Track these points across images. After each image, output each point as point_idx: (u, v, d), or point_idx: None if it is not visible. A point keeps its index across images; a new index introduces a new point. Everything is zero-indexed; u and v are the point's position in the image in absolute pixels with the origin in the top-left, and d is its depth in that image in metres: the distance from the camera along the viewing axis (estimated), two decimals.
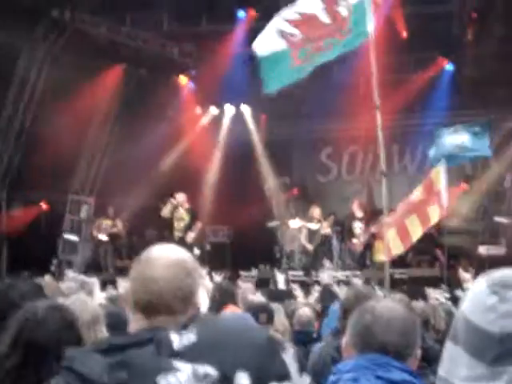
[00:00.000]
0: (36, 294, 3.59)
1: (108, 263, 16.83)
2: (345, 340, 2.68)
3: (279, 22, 8.85)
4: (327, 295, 10.28)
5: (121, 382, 1.93)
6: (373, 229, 14.98)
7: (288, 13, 8.87)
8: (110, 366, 1.95)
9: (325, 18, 8.73)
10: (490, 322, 1.39)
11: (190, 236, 15.53)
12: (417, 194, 10.99)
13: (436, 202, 10.53)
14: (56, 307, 3.08)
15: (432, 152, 12.40)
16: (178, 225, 15.54)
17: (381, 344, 2.54)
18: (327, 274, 11.39)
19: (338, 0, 8.72)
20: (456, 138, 12.13)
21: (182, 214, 15.53)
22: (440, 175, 10.72)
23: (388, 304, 2.70)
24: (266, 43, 8.83)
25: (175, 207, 15.49)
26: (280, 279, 10.30)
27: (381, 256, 10.68)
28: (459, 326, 1.46)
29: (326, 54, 9.05)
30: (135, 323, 2.44)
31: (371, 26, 8.62)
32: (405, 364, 2.53)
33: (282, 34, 8.77)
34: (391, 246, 9.93)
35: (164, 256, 2.52)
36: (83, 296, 4.43)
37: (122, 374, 1.94)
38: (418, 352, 2.63)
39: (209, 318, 2.53)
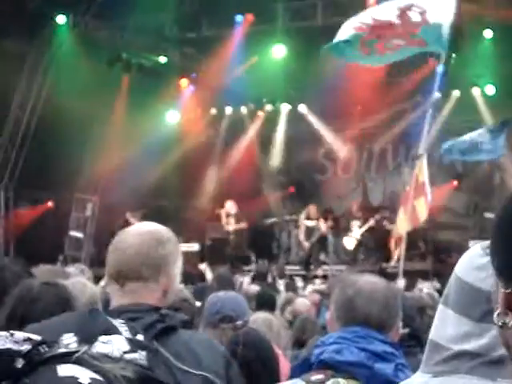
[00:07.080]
0: (27, 274, 3.56)
1: None
2: (329, 314, 2.80)
3: (354, 21, 9.32)
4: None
5: None
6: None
7: (363, 16, 9.36)
8: None
9: (395, 19, 9.10)
10: (481, 279, 1.40)
11: None
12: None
13: (422, 194, 10.71)
14: (51, 284, 3.07)
15: (447, 144, 12.39)
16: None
17: (363, 317, 2.61)
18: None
19: (411, 5, 9.09)
20: (476, 136, 12.14)
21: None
22: (423, 168, 10.84)
23: (369, 278, 2.77)
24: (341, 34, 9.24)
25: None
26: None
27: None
28: (451, 288, 1.47)
29: (393, 55, 9.55)
30: (115, 298, 2.57)
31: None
32: (387, 335, 2.62)
33: (355, 27, 9.18)
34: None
35: (136, 227, 2.67)
36: (83, 279, 4.47)
37: None
38: (400, 323, 2.73)
39: None
